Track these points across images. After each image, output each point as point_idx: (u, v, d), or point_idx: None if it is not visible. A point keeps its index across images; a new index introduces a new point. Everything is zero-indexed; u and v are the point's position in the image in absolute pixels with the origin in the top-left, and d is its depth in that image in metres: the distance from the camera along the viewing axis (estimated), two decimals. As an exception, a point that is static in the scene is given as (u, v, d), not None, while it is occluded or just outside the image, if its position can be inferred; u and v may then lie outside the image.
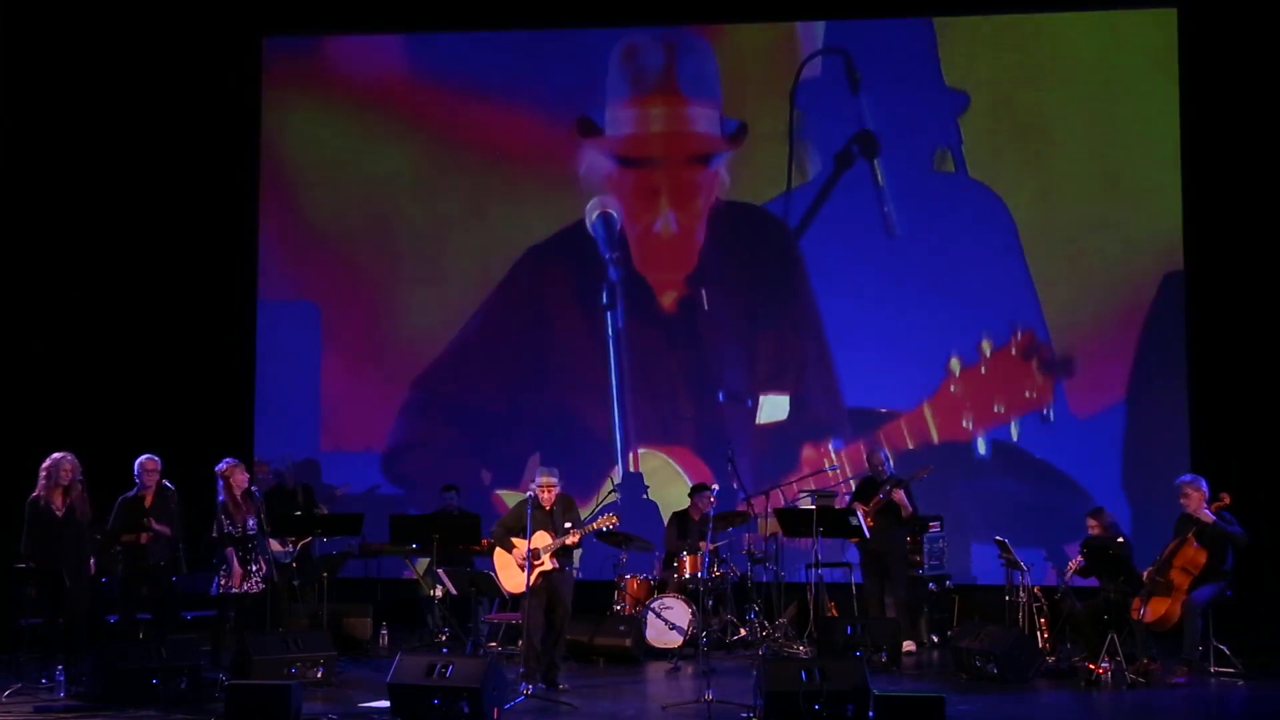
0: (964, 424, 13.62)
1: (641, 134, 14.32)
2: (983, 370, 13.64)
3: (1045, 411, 13.57)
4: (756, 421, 13.94)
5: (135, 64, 14.22)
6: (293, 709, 8.76)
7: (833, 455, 13.74)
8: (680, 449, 14.03)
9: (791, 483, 13.10)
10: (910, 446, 13.60)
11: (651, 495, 13.95)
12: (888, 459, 12.29)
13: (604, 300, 14.23)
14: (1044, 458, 13.55)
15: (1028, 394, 13.58)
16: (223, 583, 10.78)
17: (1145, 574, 10.54)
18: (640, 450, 14.03)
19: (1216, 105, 13.35)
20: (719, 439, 13.74)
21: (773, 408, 13.92)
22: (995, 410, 13.60)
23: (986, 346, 13.64)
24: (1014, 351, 13.61)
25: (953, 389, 13.64)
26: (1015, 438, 13.58)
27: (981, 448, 13.63)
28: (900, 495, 11.92)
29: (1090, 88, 13.73)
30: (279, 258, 14.66)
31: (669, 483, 13.90)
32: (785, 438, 13.92)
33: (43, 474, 10.54)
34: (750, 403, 13.97)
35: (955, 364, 13.65)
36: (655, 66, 14.27)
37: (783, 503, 12.72)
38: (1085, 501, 12.84)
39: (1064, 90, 13.77)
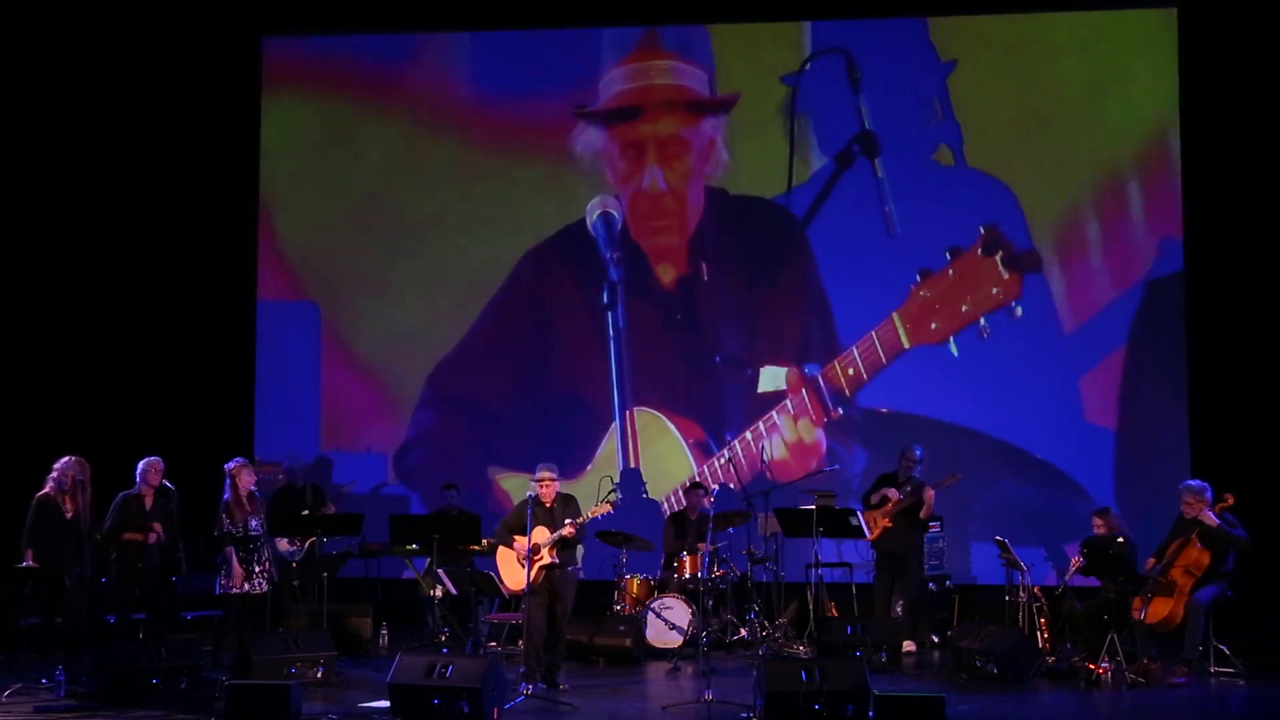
0: (932, 326, 13.65)
1: (625, 90, 14.28)
2: (950, 273, 13.65)
3: (1013, 307, 13.57)
4: (758, 390, 13.96)
5: (135, 63, 14.22)
6: (293, 709, 8.77)
7: (824, 396, 13.77)
8: (680, 419, 14.08)
9: (792, 482, 13.11)
10: (884, 361, 13.63)
11: (642, 454, 13.98)
12: (920, 457, 12.26)
13: (605, 300, 14.23)
14: (1044, 458, 13.55)
15: (995, 291, 13.58)
16: (224, 582, 10.81)
17: (1148, 563, 10.55)
18: (636, 409, 14.06)
19: (1216, 105, 13.35)
20: (716, 405, 13.90)
21: (773, 377, 13.93)
22: (962, 310, 13.61)
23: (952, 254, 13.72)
24: (978, 251, 13.60)
25: (922, 294, 13.66)
26: (984, 334, 13.57)
27: (954, 349, 13.63)
28: (930, 495, 11.95)
29: (1090, 87, 13.72)
30: (279, 258, 14.66)
31: (659, 438, 13.96)
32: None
33: (51, 476, 10.55)
34: (750, 372, 13.98)
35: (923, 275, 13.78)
36: (638, 31, 14.29)
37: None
38: (1085, 502, 12.87)
39: (1064, 90, 13.76)
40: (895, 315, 13.69)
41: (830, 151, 14.02)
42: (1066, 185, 13.71)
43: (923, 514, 12.05)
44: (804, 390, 13.81)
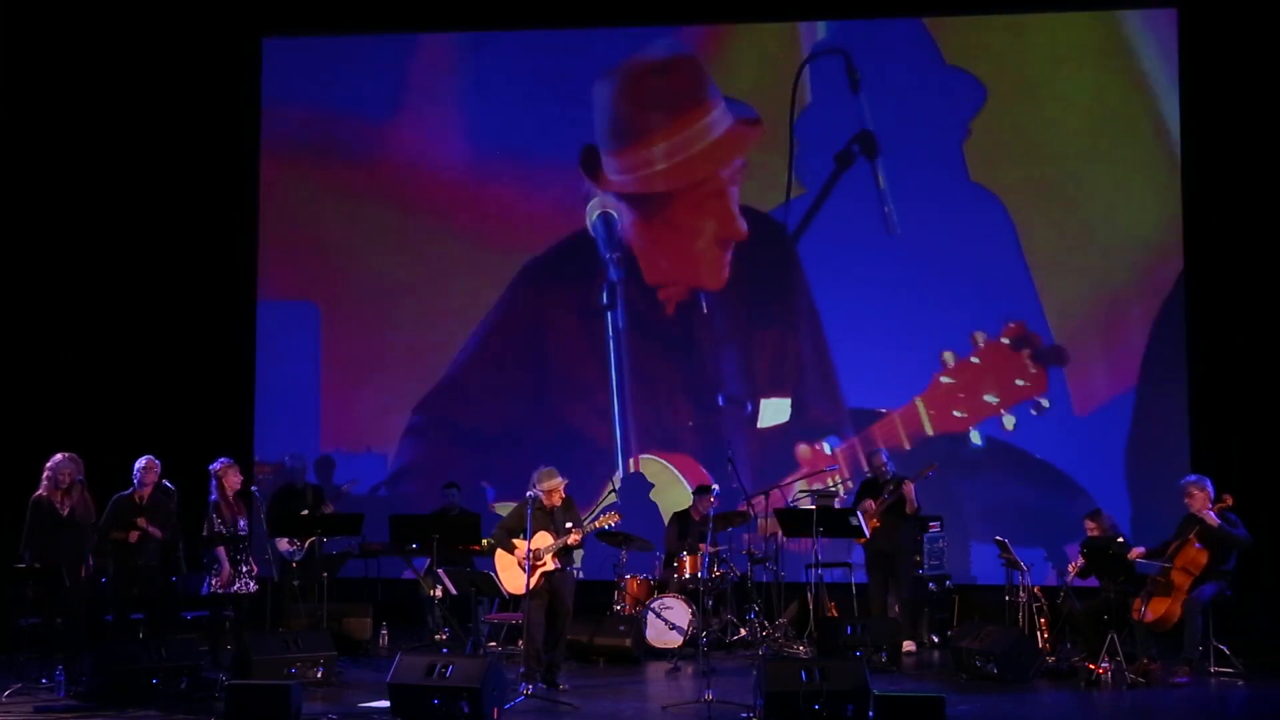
0: (956, 415, 13.60)
1: (675, 164, 14.11)
2: (974, 360, 13.62)
3: (1039, 401, 13.55)
4: (758, 425, 13.93)
5: (135, 63, 14.22)
6: (293, 709, 8.76)
7: (827, 452, 13.73)
8: (681, 456, 14.00)
9: (791, 482, 13.11)
10: (906, 446, 13.58)
11: (653, 499, 13.90)
12: (888, 460, 12.32)
13: (604, 300, 14.22)
14: (1044, 457, 13.55)
15: (1020, 383, 13.56)
16: (214, 582, 10.82)
17: (1135, 551, 10.54)
18: (642, 457, 14.01)
19: (1216, 105, 13.36)
20: (719, 444, 13.70)
21: (774, 411, 13.91)
22: (987, 401, 13.58)
23: (980, 338, 13.62)
24: (1005, 341, 13.58)
25: (945, 380, 13.62)
26: (1010, 428, 13.54)
27: (976, 439, 13.60)
28: (909, 489, 11.94)
29: (1090, 88, 13.73)
30: (279, 258, 14.65)
31: (669, 487, 13.88)
32: (787, 440, 13.90)
33: (45, 474, 10.58)
34: (750, 406, 13.96)
35: (949, 357, 13.63)
36: (671, 94, 14.16)
37: (783, 503, 12.73)
38: (1085, 501, 12.87)
39: (1064, 90, 13.76)
40: (918, 401, 13.62)
41: (829, 153, 13.99)
42: (1064, 184, 13.71)
43: (908, 509, 12.03)
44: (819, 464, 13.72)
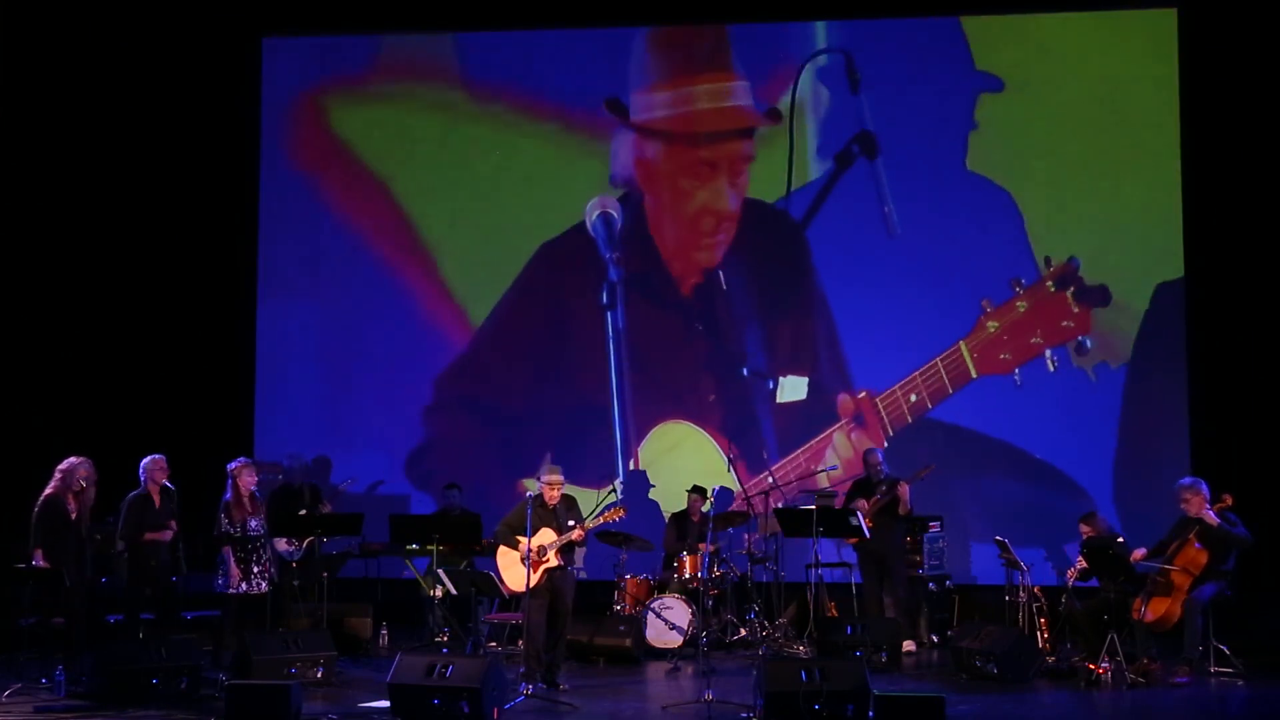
0: (1002, 357, 13.62)
1: (688, 112, 14.16)
2: (1019, 306, 13.63)
3: (1082, 340, 13.54)
4: (777, 400, 13.93)
5: (135, 63, 14.23)
6: (293, 709, 8.77)
7: (884, 421, 13.75)
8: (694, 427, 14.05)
9: (791, 483, 13.10)
10: (950, 390, 13.60)
11: (667, 475, 13.80)
12: (883, 460, 12.31)
13: (604, 300, 14.22)
14: (1044, 457, 13.55)
15: (1065, 324, 13.57)
16: (222, 582, 10.83)
17: (1136, 553, 10.55)
18: (659, 426, 14.02)
19: (1216, 105, 13.36)
20: (740, 419, 13.81)
21: (791, 388, 13.91)
22: (1033, 342, 13.59)
23: (1017, 285, 13.65)
24: (1049, 285, 13.57)
25: (990, 326, 13.65)
26: (1052, 368, 13.54)
27: (1018, 379, 13.59)
28: (904, 490, 11.93)
29: (1090, 88, 13.73)
30: (279, 258, 14.65)
31: (695, 451, 13.86)
32: (805, 415, 13.91)
33: (58, 475, 10.58)
34: (772, 383, 13.96)
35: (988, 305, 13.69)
36: (697, 50, 14.21)
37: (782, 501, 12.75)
38: (1085, 502, 12.89)
39: (1063, 90, 13.76)
40: (963, 344, 13.67)
41: (830, 153, 14.01)
42: (1064, 183, 13.71)
43: (901, 510, 12.02)
44: (859, 414, 13.72)
